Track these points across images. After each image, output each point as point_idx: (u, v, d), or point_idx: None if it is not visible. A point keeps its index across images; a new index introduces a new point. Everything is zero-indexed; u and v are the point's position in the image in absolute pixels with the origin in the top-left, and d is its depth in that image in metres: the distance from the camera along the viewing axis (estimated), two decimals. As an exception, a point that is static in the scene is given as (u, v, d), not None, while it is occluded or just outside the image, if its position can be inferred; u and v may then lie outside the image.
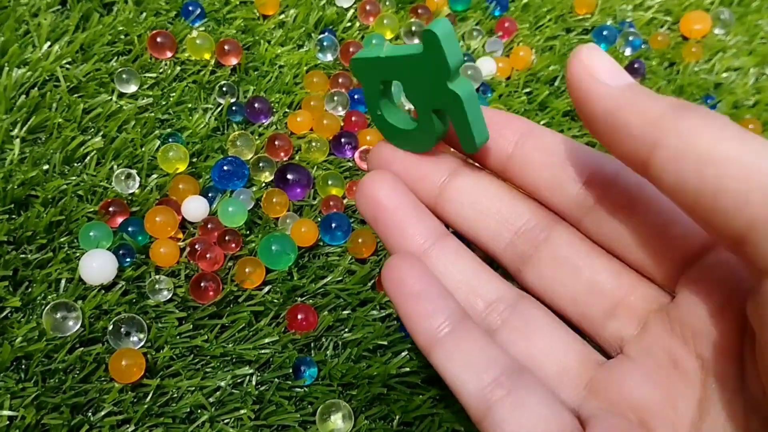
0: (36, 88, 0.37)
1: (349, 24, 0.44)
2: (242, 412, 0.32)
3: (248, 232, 0.36)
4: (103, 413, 0.31)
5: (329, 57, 0.43)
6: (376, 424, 0.33)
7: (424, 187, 0.24)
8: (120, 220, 0.34)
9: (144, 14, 0.41)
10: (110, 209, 0.34)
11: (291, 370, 0.33)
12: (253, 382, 0.33)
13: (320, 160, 0.39)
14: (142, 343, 0.32)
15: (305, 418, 0.32)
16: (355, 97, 0.41)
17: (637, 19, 0.50)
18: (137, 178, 0.36)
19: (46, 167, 0.35)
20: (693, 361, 0.20)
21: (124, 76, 0.38)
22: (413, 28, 0.45)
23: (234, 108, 0.39)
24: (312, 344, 0.34)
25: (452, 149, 0.25)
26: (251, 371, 0.33)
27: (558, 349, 0.23)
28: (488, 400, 0.20)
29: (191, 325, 0.33)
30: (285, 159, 0.39)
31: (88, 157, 0.36)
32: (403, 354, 0.34)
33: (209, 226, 0.35)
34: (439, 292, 0.22)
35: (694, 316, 0.20)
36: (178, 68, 0.40)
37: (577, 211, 0.23)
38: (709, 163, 0.16)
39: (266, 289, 0.35)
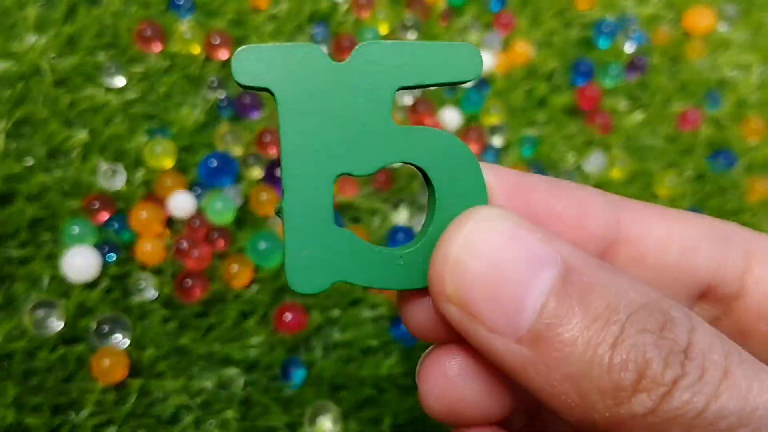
0: (21, 81, 0.36)
1: (343, 18, 0.43)
2: (228, 413, 0.31)
3: (236, 230, 0.35)
4: (85, 414, 0.30)
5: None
6: (366, 427, 0.32)
7: None
8: (105, 216, 0.34)
9: (132, 6, 0.40)
10: (95, 205, 0.33)
11: (279, 371, 0.32)
12: (240, 383, 0.32)
13: (312, 155, 0.38)
14: (126, 343, 0.31)
15: (293, 420, 0.31)
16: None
17: (639, 14, 0.49)
18: (123, 174, 0.35)
19: (29, 162, 0.34)
20: None
21: (111, 69, 0.37)
22: (409, 23, 0.44)
23: (223, 103, 0.38)
24: (301, 345, 0.33)
25: None
26: (238, 372, 0.32)
27: None
28: None
29: (177, 324, 0.32)
30: (275, 155, 0.38)
31: (74, 152, 0.35)
32: (395, 355, 0.33)
33: (196, 223, 0.34)
34: None
35: None
36: (167, 62, 0.39)
37: None
38: None
39: (254, 287, 0.34)
